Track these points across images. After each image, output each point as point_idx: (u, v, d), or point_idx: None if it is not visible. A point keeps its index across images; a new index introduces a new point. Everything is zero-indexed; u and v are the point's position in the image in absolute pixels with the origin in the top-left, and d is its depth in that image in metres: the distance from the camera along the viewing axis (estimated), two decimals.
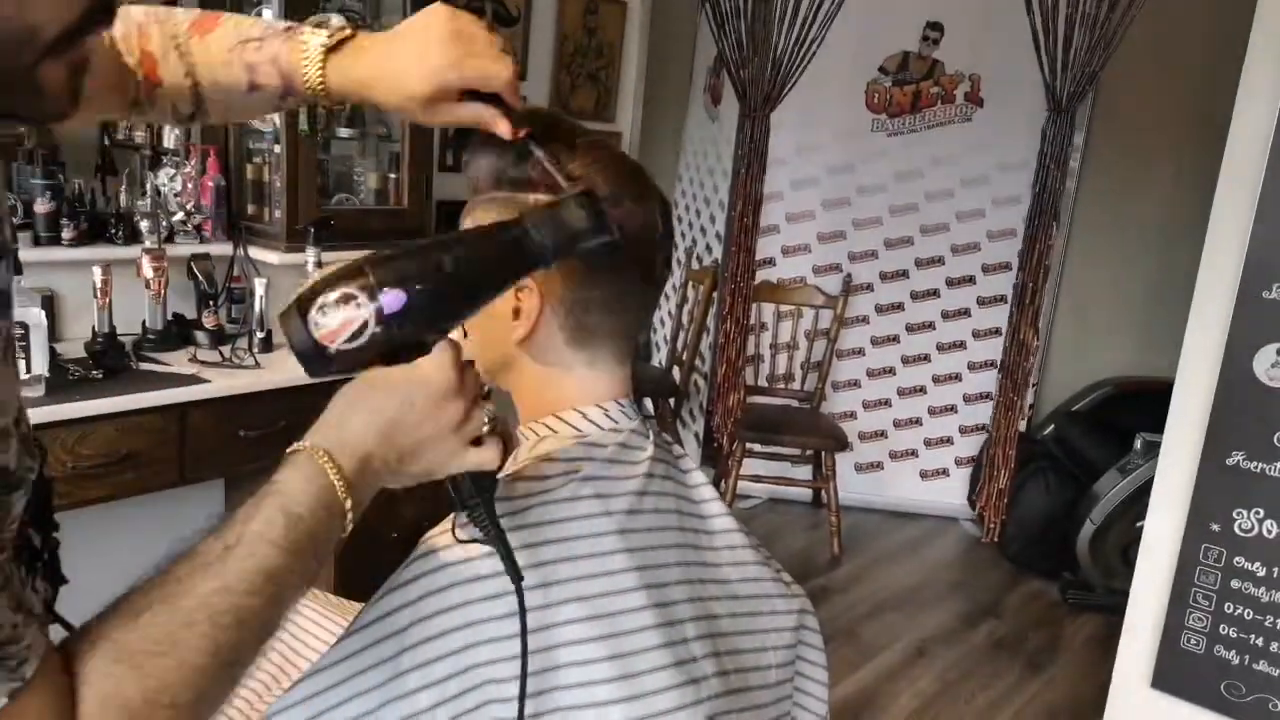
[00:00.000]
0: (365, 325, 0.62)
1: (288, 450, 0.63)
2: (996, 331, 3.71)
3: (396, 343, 0.64)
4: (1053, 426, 3.72)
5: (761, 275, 3.62)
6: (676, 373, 3.71)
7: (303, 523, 0.60)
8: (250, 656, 0.60)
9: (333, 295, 0.62)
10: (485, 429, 0.68)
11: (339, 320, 0.61)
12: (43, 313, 1.72)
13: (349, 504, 0.62)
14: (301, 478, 0.61)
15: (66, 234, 2.09)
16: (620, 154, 0.82)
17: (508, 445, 0.70)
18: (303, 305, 0.62)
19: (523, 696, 0.68)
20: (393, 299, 0.62)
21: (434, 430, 0.65)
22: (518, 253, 0.68)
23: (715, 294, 3.66)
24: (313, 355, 0.62)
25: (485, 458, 0.68)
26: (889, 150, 3.63)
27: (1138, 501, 2.88)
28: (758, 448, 3.48)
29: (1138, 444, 3.00)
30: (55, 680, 0.52)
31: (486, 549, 0.71)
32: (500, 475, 0.71)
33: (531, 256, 0.68)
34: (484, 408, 0.68)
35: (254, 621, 0.58)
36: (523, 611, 0.68)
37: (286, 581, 0.59)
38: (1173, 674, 2.07)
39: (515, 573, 0.68)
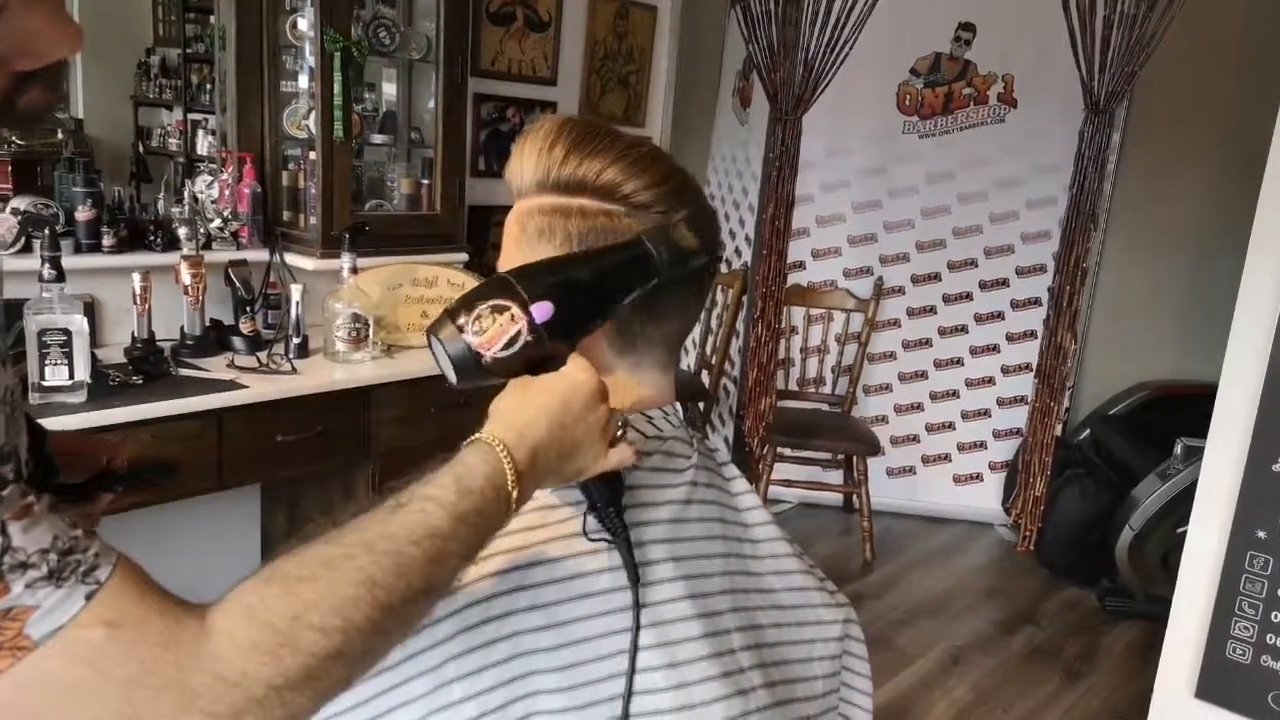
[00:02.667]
0: (519, 334, 0.67)
1: (468, 441, 0.66)
2: (1031, 334, 3.67)
3: (544, 352, 0.69)
4: (1089, 431, 3.67)
5: (792, 279, 3.60)
6: (705, 377, 3.70)
7: (472, 497, 0.62)
8: (408, 612, 0.60)
9: (486, 306, 0.66)
10: (619, 432, 0.73)
11: (495, 330, 0.66)
12: (85, 319, 1.74)
13: (515, 494, 0.64)
14: (479, 459, 0.64)
15: (107, 241, 2.12)
16: (672, 167, 0.81)
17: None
18: (455, 316, 0.67)
19: (627, 700, 0.70)
20: (542, 310, 0.67)
21: (586, 431, 0.69)
22: (640, 269, 0.73)
23: (745, 297, 3.64)
24: (469, 364, 0.67)
25: (623, 456, 0.72)
26: (921, 152, 3.60)
27: (1178, 507, 2.83)
28: (789, 452, 3.46)
29: (1178, 449, 2.95)
30: (145, 586, 0.51)
31: (529, 558, 0.71)
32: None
33: (649, 272, 0.73)
34: (616, 412, 0.72)
35: (413, 573, 0.58)
36: (637, 611, 0.70)
37: (449, 547, 0.60)
38: (1218, 684, 2.03)
39: (634, 574, 0.71)
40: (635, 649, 0.69)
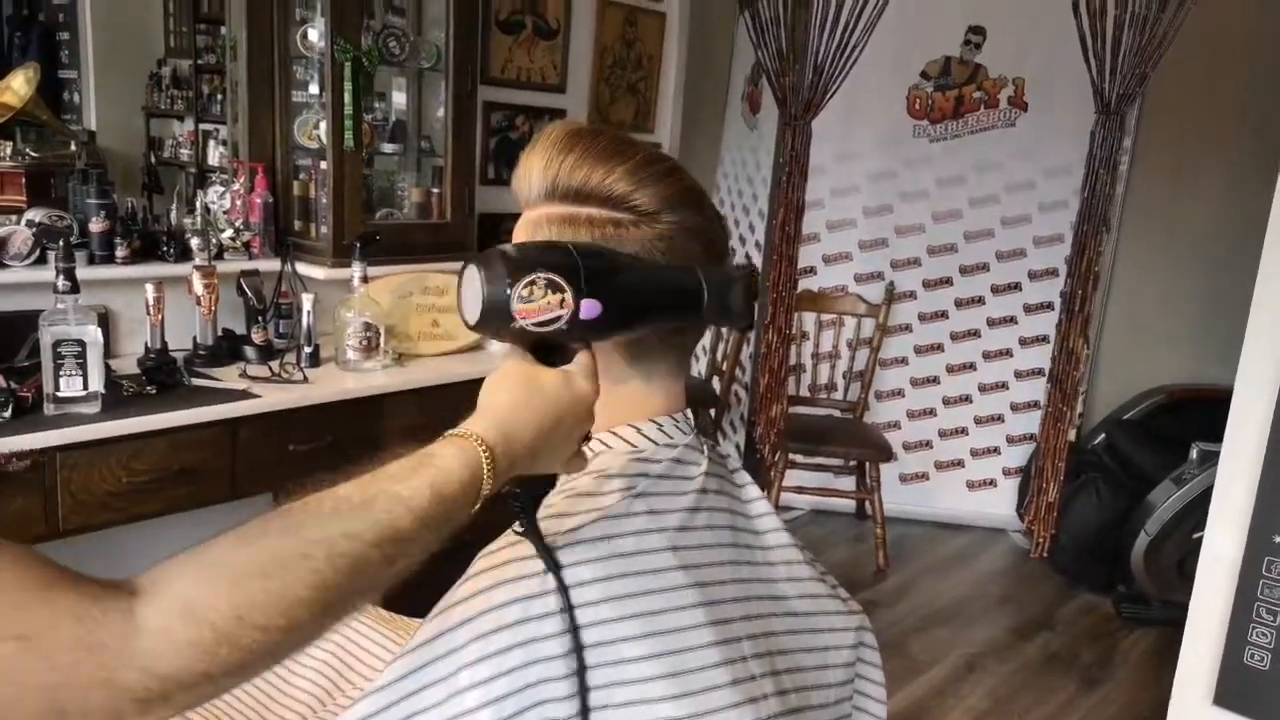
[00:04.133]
0: (558, 319, 0.66)
1: (451, 433, 0.65)
2: (1044, 339, 3.65)
3: (566, 343, 0.69)
4: (1103, 436, 3.65)
5: (803, 284, 3.60)
6: (716, 383, 3.70)
7: (445, 503, 0.61)
8: (353, 606, 0.59)
9: (544, 278, 0.65)
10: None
11: (540, 304, 0.65)
12: (99, 330, 1.75)
13: (488, 495, 0.63)
14: (460, 465, 0.62)
15: (120, 252, 2.13)
16: (676, 167, 0.81)
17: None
18: (512, 267, 0.65)
19: (584, 693, 0.68)
20: (590, 308, 0.66)
21: (568, 443, 0.69)
22: (690, 300, 0.73)
23: (755, 303, 3.64)
24: (499, 314, 0.65)
25: (580, 465, 0.73)
26: (931, 156, 3.59)
27: (1194, 512, 2.81)
28: (800, 458, 3.44)
29: (1193, 453, 2.93)
30: (48, 583, 0.49)
31: (542, 564, 0.71)
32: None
33: (695, 308, 0.74)
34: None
35: (367, 574, 0.57)
36: (570, 609, 0.69)
37: (409, 550, 0.59)
38: (1236, 691, 2.01)
39: (552, 561, 0.70)
40: (580, 646, 0.68)
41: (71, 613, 0.49)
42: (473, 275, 0.66)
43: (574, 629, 0.68)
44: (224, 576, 0.53)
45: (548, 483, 0.73)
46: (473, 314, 0.67)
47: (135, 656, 0.49)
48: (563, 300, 0.65)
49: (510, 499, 0.71)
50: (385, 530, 0.58)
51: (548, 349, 0.69)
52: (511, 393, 0.67)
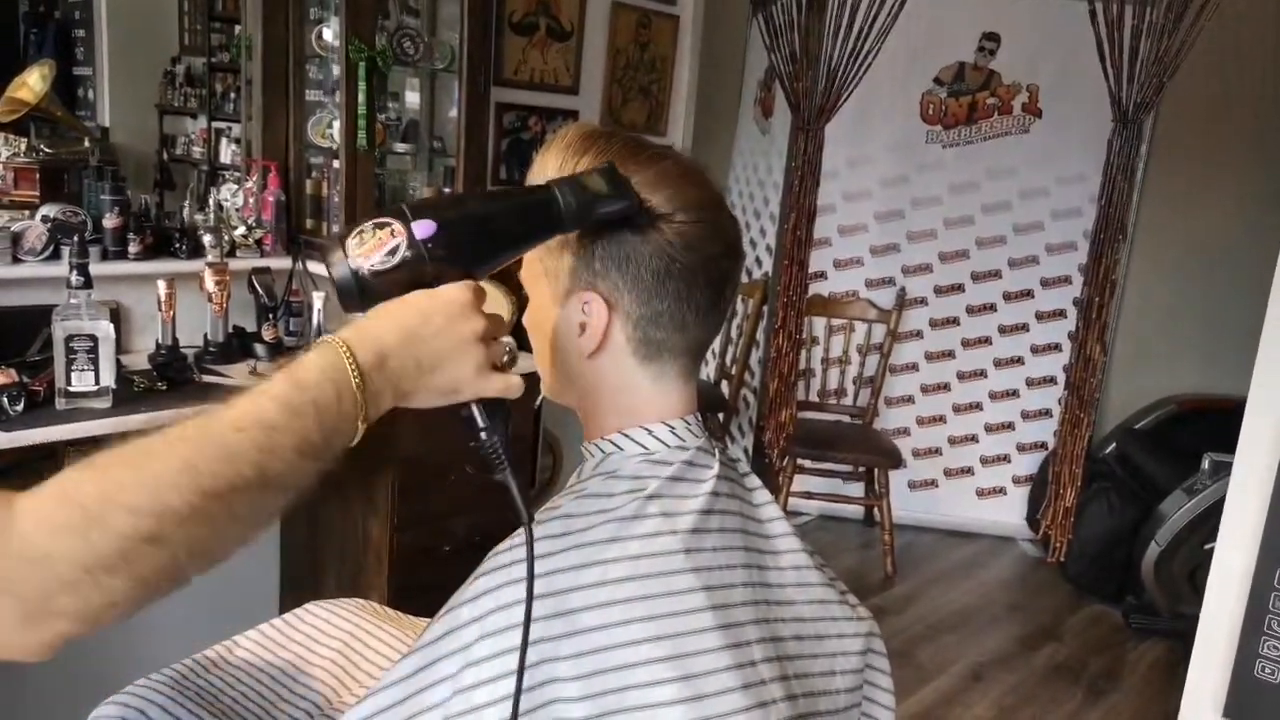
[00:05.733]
0: (397, 249, 0.66)
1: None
2: (1056, 347, 3.63)
3: (426, 272, 0.68)
4: (1114, 445, 3.63)
5: (813, 289, 3.59)
6: (725, 387, 3.69)
7: (307, 391, 0.61)
8: (240, 502, 0.58)
9: (370, 224, 0.67)
10: (506, 359, 0.72)
11: (373, 243, 0.66)
12: (111, 326, 1.75)
13: (360, 391, 0.63)
14: (315, 355, 0.64)
15: (133, 248, 2.13)
16: (691, 168, 0.81)
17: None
18: (343, 236, 0.67)
19: (521, 671, 0.67)
20: (424, 226, 0.67)
21: (451, 344, 0.68)
22: (541, 209, 0.73)
23: (765, 307, 3.63)
24: (348, 280, 0.67)
25: (511, 383, 0.71)
26: (944, 162, 3.58)
27: (1205, 523, 2.79)
28: (809, 464, 3.43)
29: (1205, 464, 2.91)
30: None
31: (556, 565, 0.70)
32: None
33: (554, 216, 0.73)
34: (504, 341, 0.72)
35: (241, 461, 0.57)
36: (531, 559, 0.68)
37: (280, 439, 0.59)
38: (1246, 704, 1.99)
39: (528, 510, 0.70)
40: (529, 619, 0.67)
41: None
42: (326, 269, 0.68)
43: (530, 597, 0.67)
44: (96, 465, 0.55)
45: (503, 409, 0.72)
46: (337, 294, 0.68)
47: (10, 540, 0.50)
48: (392, 231, 0.67)
49: (485, 446, 0.71)
50: (245, 417, 0.59)
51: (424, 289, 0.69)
52: (372, 310, 0.68)
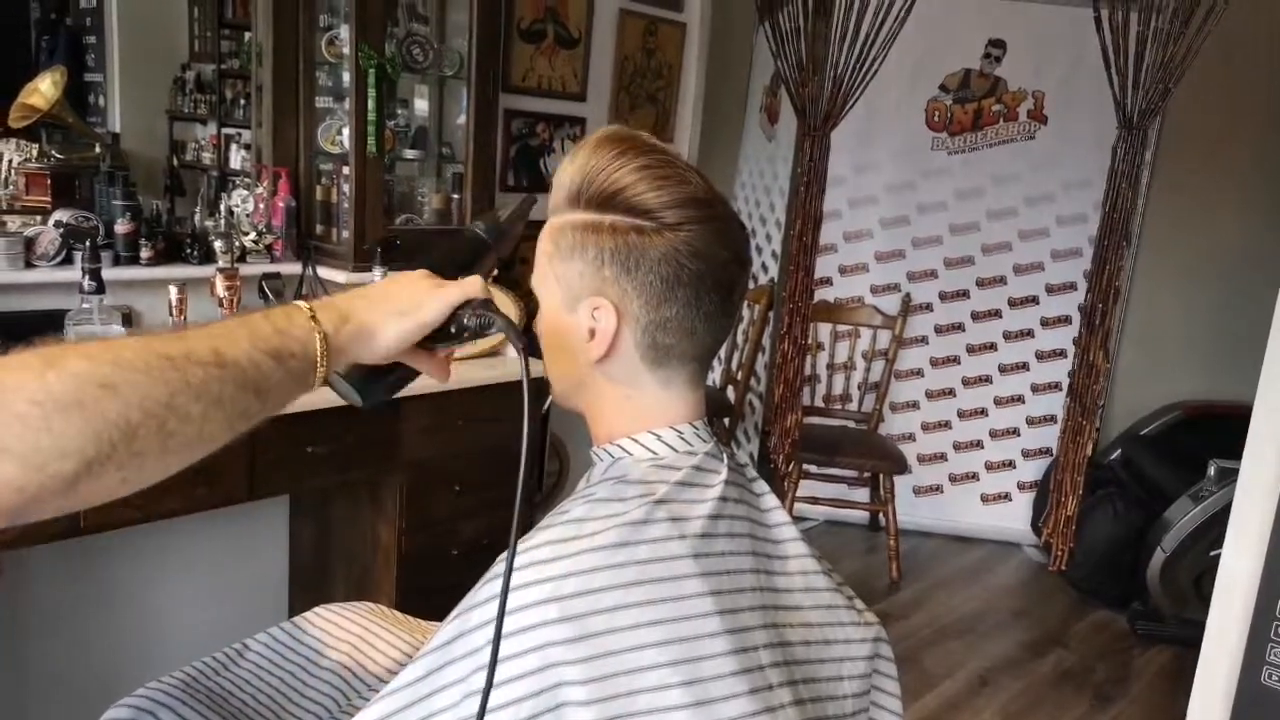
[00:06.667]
0: None
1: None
2: (1061, 353, 3.63)
3: None
4: (1120, 451, 3.63)
5: (819, 295, 3.60)
6: (731, 392, 3.69)
7: (256, 311, 0.67)
8: (199, 371, 0.59)
9: None
10: (472, 319, 0.77)
11: None
12: (123, 330, 1.77)
13: (312, 312, 0.68)
14: (278, 311, 0.68)
15: (144, 253, 2.15)
16: (703, 185, 0.82)
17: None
18: None
19: (497, 641, 0.68)
20: None
21: (405, 285, 0.76)
22: (467, 243, 0.88)
23: (771, 313, 3.64)
24: None
25: (466, 282, 0.78)
26: (949, 168, 3.59)
27: (1211, 529, 2.79)
28: (814, 469, 3.44)
29: (1211, 470, 2.91)
30: None
31: (564, 570, 0.71)
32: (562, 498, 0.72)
33: (482, 249, 0.88)
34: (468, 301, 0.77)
35: (197, 341, 0.60)
36: (513, 547, 0.69)
37: (235, 330, 0.63)
38: (1252, 711, 1.99)
39: (523, 342, 0.76)
40: (505, 593, 0.68)
41: None
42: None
43: (505, 587, 0.69)
44: (68, 348, 0.57)
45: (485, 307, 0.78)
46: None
47: None
48: None
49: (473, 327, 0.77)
50: (195, 325, 0.63)
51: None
52: None
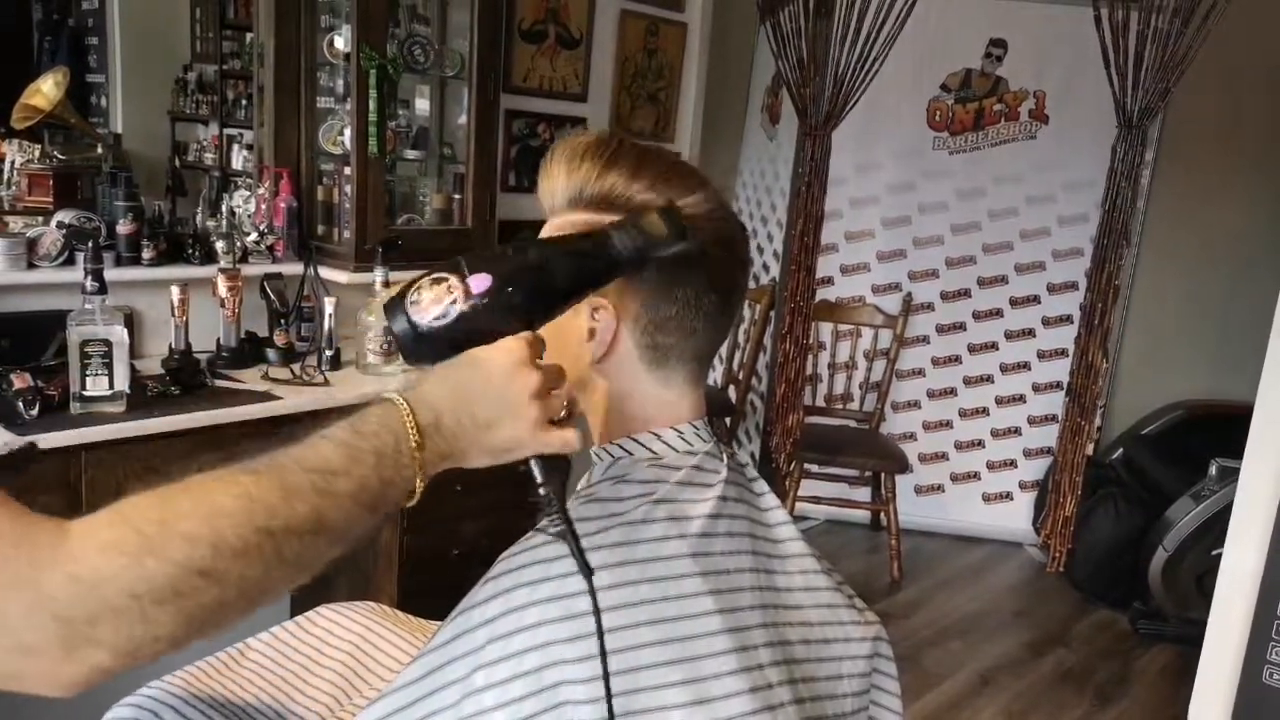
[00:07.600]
0: (454, 304, 0.67)
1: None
2: (1062, 353, 3.63)
3: (483, 326, 0.68)
4: (1121, 450, 3.63)
5: (820, 294, 3.60)
6: (732, 392, 3.70)
7: (367, 440, 0.62)
8: (293, 544, 0.56)
9: (427, 279, 0.68)
10: (564, 412, 0.72)
11: (430, 298, 0.67)
12: (125, 331, 1.78)
13: (418, 445, 0.64)
14: (375, 408, 0.65)
15: (146, 254, 2.15)
16: (703, 184, 0.82)
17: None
18: (403, 290, 0.69)
19: (609, 696, 0.68)
20: (479, 281, 0.68)
21: (507, 402, 0.68)
22: (599, 254, 0.73)
23: (772, 313, 3.64)
24: (408, 335, 0.68)
25: (567, 438, 0.71)
26: (951, 168, 3.59)
27: (1213, 528, 2.79)
28: (815, 469, 3.44)
29: (1213, 469, 2.91)
30: (3, 497, 0.50)
31: (567, 568, 0.71)
32: (581, 489, 0.72)
33: (612, 260, 0.73)
34: (561, 392, 0.72)
35: (298, 499, 0.57)
36: (597, 612, 0.68)
37: (340, 484, 0.59)
38: (1254, 711, 1.99)
39: (584, 565, 0.70)
40: (604, 652, 0.67)
41: (13, 512, 0.50)
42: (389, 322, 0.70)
43: (600, 633, 0.68)
44: (156, 492, 0.55)
45: (562, 464, 0.73)
46: (398, 346, 0.70)
47: (61, 556, 0.49)
48: (449, 286, 0.67)
49: (544, 501, 0.72)
50: (309, 457, 0.59)
51: (483, 343, 0.69)
52: (430, 371, 0.69)
